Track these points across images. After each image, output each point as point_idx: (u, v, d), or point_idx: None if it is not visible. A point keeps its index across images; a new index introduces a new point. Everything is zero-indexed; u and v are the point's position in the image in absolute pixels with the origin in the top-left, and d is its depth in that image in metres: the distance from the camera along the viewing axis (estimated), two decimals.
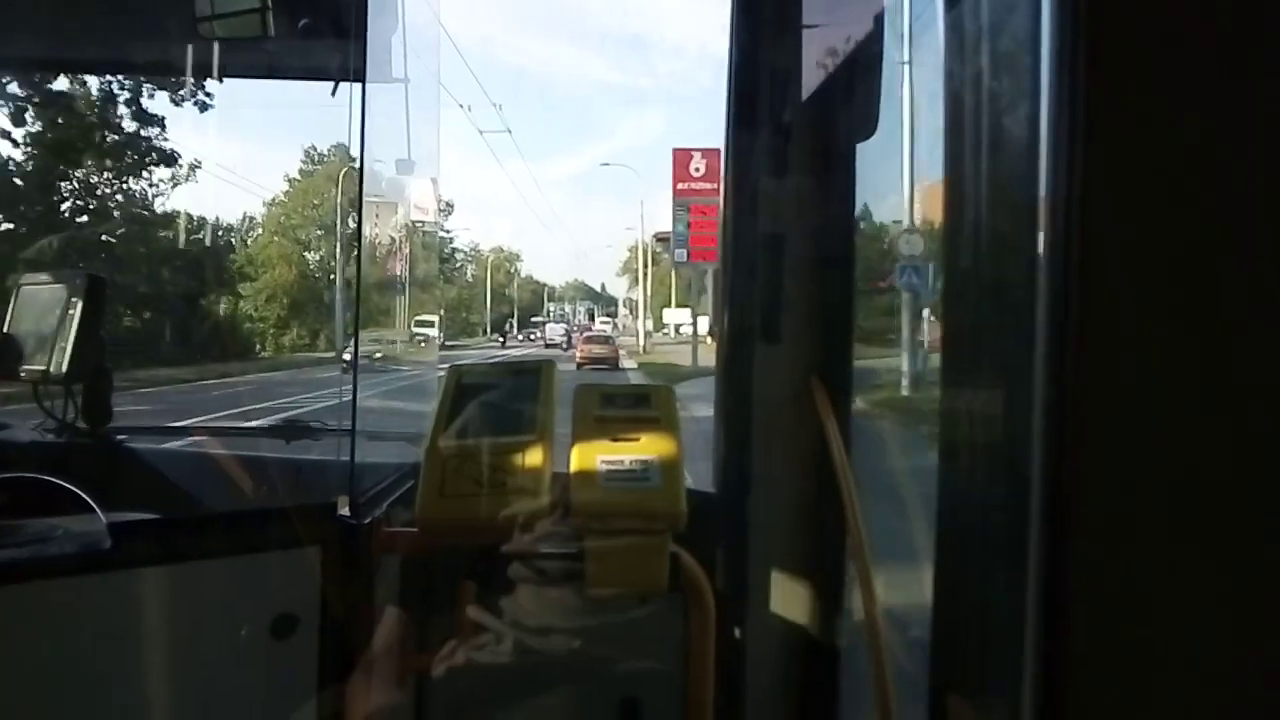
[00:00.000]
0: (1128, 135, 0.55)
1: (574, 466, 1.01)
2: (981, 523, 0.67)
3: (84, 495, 1.24)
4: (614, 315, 65.63)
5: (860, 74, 1.17)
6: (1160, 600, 0.57)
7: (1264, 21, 0.55)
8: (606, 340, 29.46)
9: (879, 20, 1.14)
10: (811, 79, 1.20)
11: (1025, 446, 0.58)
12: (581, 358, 25.45)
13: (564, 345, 38.81)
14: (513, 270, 73.36)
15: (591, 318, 64.48)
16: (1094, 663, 0.56)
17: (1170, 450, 0.56)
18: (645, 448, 1.01)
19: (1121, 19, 0.55)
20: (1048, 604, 0.57)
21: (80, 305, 1.73)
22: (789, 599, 1.24)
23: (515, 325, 61.63)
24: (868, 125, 1.19)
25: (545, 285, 79.77)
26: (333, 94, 1.73)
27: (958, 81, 0.68)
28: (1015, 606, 0.59)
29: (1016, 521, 0.59)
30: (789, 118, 1.21)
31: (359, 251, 1.57)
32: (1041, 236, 0.57)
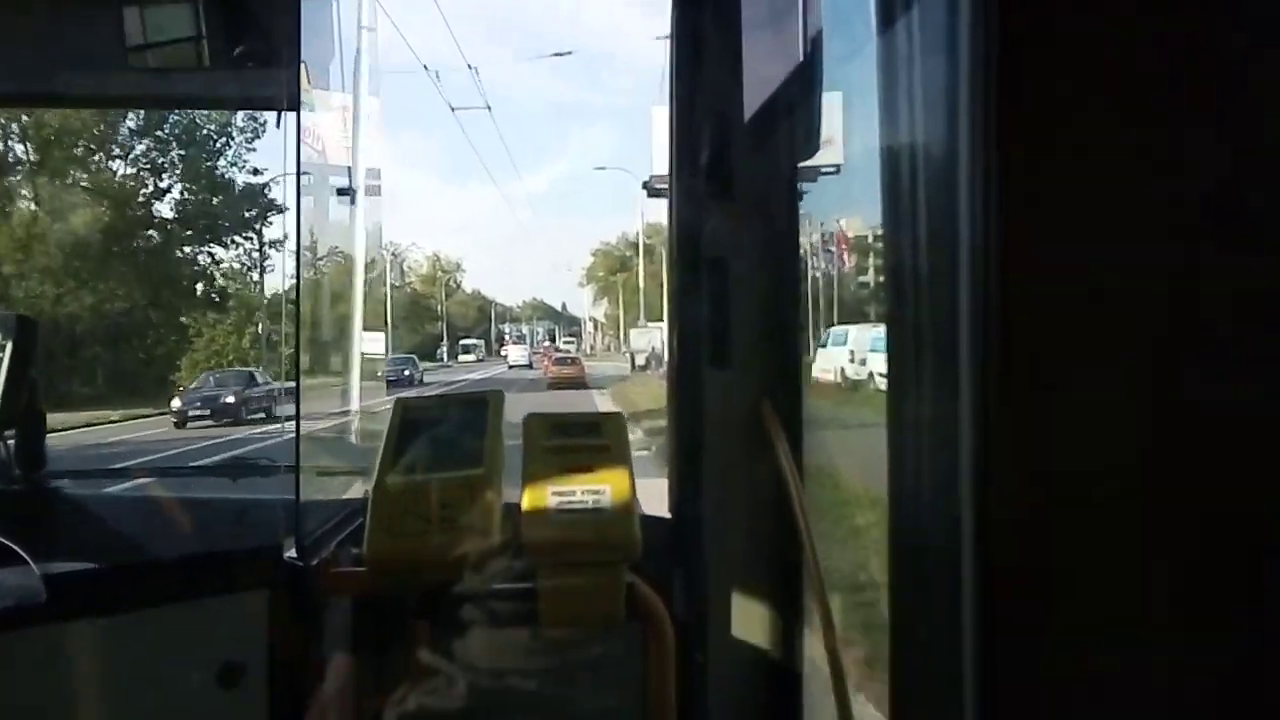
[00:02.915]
0: (1044, 173, 0.57)
1: (524, 499, 0.99)
2: (925, 548, 0.68)
3: (15, 547, 1.19)
4: (577, 335, 63.37)
5: (800, 95, 1.18)
6: (1093, 619, 0.58)
7: (1174, 62, 0.57)
8: (574, 361, 30.95)
9: (818, 42, 1.15)
10: (753, 100, 1.21)
11: (955, 476, 0.59)
12: (552, 378, 27.30)
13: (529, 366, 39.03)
14: (452, 283, 62.49)
15: (552, 339, 62.20)
16: (1029, 684, 0.57)
17: (1093, 476, 0.57)
18: (597, 477, 1.00)
19: (1034, 64, 0.57)
20: (983, 627, 0.58)
21: (9, 347, 1.67)
22: (748, 623, 1.23)
23: (446, 352, 52.34)
24: (809, 145, 1.20)
25: (493, 302, 69.88)
26: (278, 125, 1.68)
27: (887, 121, 0.69)
28: (957, 630, 0.59)
29: (954, 546, 0.60)
30: (731, 140, 1.21)
31: (298, 280, 1.53)
32: (964, 275, 0.58)
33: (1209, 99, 0.57)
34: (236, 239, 25.52)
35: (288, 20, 1.40)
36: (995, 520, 0.57)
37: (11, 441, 1.79)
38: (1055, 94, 0.57)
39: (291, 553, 1.14)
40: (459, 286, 65.46)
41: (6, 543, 1.19)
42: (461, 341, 57.16)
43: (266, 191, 25.32)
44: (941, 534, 0.61)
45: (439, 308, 58.37)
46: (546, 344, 55.63)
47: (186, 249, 24.58)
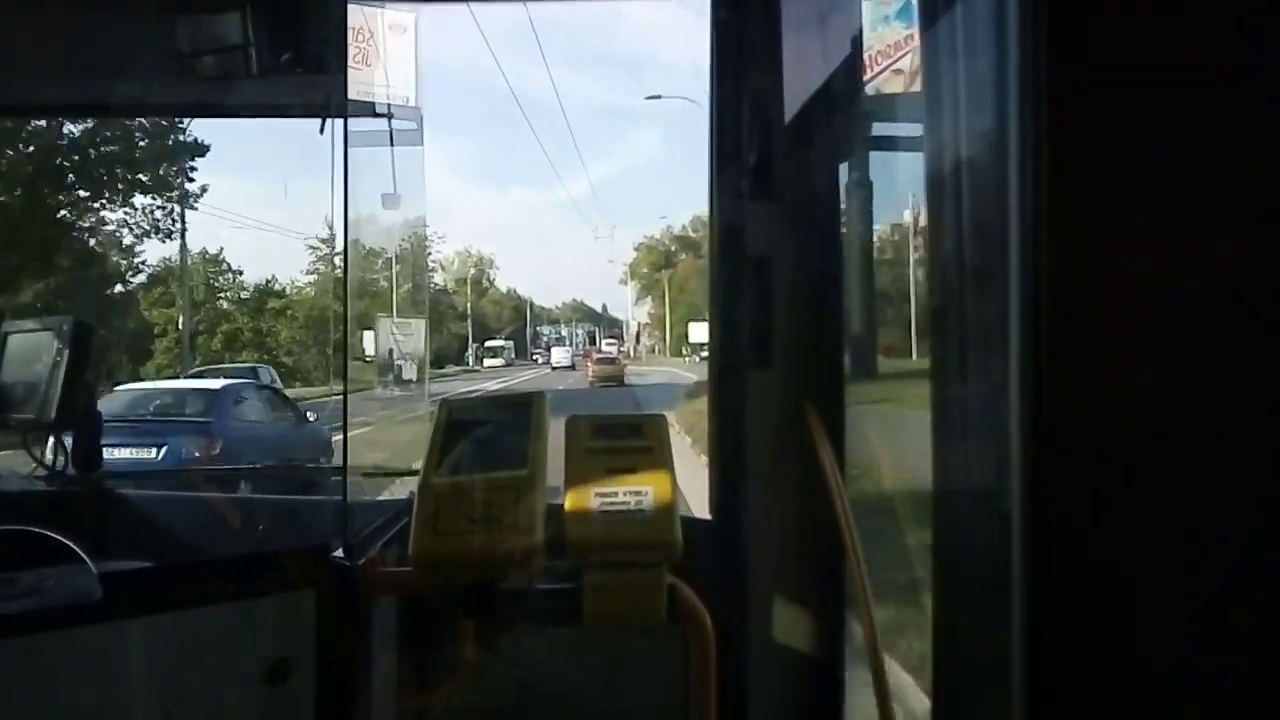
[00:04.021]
0: (1090, 151, 0.56)
1: (568, 500, 1.00)
2: (973, 547, 0.67)
3: (74, 546, 1.22)
4: (618, 337, 62.04)
5: (841, 97, 1.17)
6: (1142, 617, 0.56)
7: (1217, 44, 0.56)
8: (614, 361, 32.64)
9: (858, 43, 1.14)
10: (793, 103, 1.20)
11: (1006, 467, 0.58)
12: (594, 376, 28.99)
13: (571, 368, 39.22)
14: (485, 280, 56.72)
15: (592, 341, 61.20)
16: (1078, 684, 0.56)
17: (1143, 473, 0.56)
18: (639, 479, 1.00)
19: (1082, 41, 0.56)
20: (1032, 626, 0.57)
21: (67, 351, 1.72)
22: (789, 626, 1.22)
23: (473, 356, 43.99)
24: (849, 147, 1.19)
25: (529, 302, 64.83)
26: (320, 131, 1.70)
27: (934, 109, 0.68)
28: (1005, 630, 0.59)
29: (1004, 544, 0.59)
30: (773, 142, 1.21)
31: (345, 283, 1.56)
32: (1014, 267, 0.58)
33: (1260, 91, 0.56)
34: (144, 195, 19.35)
35: (334, 28, 1.42)
36: (1045, 519, 0.56)
37: (69, 443, 1.84)
38: (1106, 86, 0.56)
39: (339, 552, 1.15)
40: (492, 284, 60.69)
41: (65, 541, 1.22)
42: (486, 343, 48.17)
43: (184, 129, 18.87)
44: (990, 532, 0.60)
45: (466, 305, 50.98)
46: (589, 347, 55.18)
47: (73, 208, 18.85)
